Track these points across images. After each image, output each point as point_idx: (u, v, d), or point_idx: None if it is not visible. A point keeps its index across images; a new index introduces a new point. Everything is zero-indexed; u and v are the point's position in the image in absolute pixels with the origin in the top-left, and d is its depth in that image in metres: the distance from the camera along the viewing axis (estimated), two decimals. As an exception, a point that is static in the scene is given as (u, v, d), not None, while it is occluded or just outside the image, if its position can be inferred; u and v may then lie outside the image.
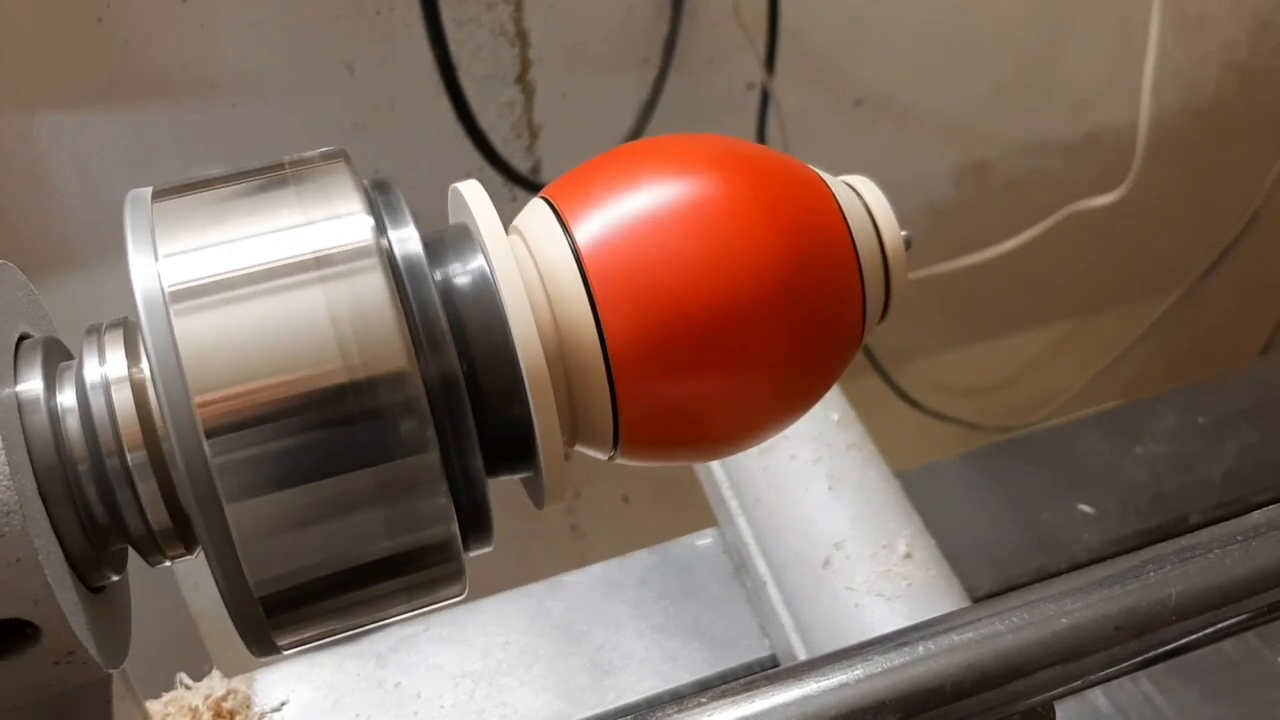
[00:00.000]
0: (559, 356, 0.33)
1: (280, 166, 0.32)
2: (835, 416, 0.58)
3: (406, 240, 0.31)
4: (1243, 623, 0.30)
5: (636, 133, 1.04)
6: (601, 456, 0.35)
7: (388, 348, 0.29)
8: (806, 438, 0.56)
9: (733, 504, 0.58)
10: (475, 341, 0.32)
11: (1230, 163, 1.30)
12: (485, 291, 0.32)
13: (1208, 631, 0.29)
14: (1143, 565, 0.30)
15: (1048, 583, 0.30)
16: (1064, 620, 0.29)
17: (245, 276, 0.30)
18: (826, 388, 0.37)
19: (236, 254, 0.30)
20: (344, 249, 0.30)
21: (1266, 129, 1.28)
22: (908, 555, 0.51)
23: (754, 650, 0.55)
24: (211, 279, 0.30)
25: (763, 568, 0.55)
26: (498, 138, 1.03)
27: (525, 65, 1.02)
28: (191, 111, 0.91)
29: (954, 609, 0.49)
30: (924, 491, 0.58)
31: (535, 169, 1.07)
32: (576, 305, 0.32)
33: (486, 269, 0.32)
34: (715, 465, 0.60)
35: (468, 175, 1.04)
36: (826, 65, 1.12)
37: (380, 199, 0.32)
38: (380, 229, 0.31)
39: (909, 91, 1.16)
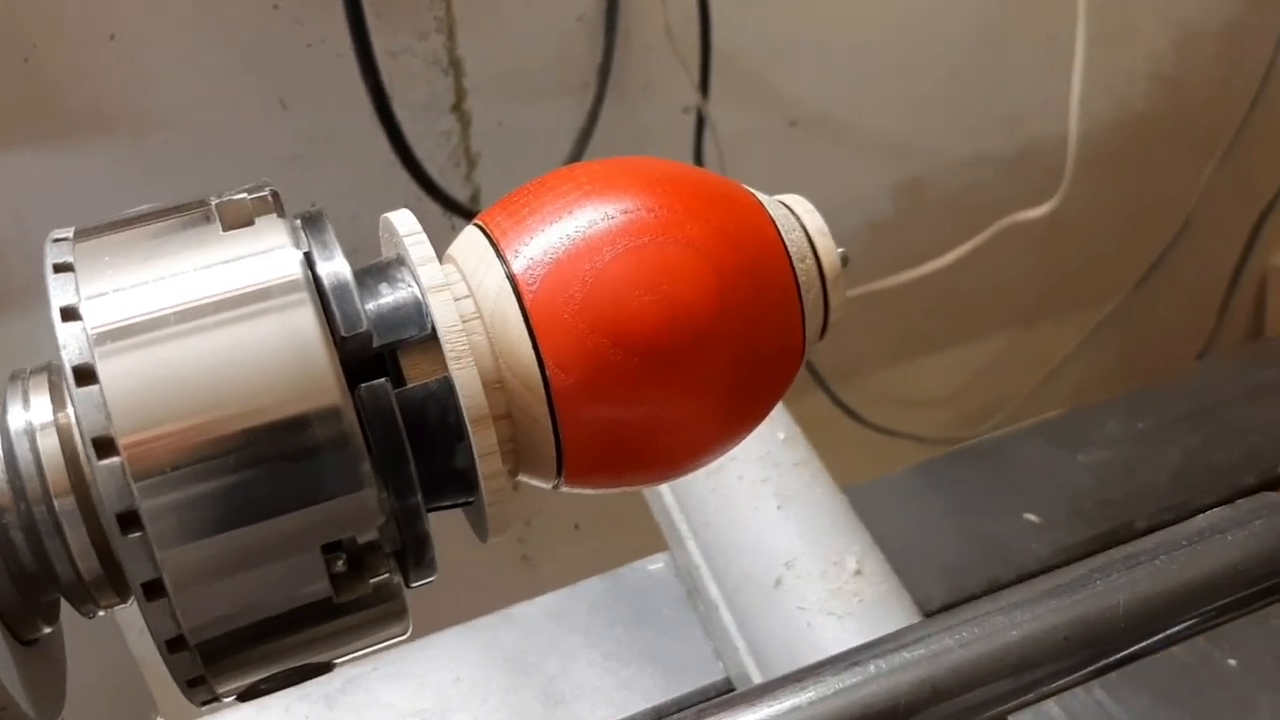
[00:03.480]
0: (498, 385, 0.32)
1: (206, 203, 0.32)
2: (781, 435, 0.57)
3: (336, 272, 0.30)
4: (1192, 627, 0.30)
5: (575, 158, 1.04)
6: (546, 485, 0.35)
7: (319, 382, 0.28)
8: (754, 457, 0.56)
9: (683, 527, 0.57)
10: (410, 373, 0.31)
11: (1161, 171, 1.33)
12: (418, 321, 0.31)
13: (1158, 638, 0.29)
14: (1090, 574, 0.30)
15: (996, 595, 0.30)
16: (1014, 633, 0.28)
17: (171, 315, 0.29)
18: (771, 406, 0.36)
19: (161, 293, 0.29)
20: (271, 284, 0.29)
21: (1195, 137, 1.31)
22: (858, 571, 0.50)
23: (708, 674, 0.55)
24: (135, 319, 0.29)
25: (714, 590, 0.54)
26: (434, 167, 1.02)
27: (460, 94, 1.01)
28: (125, 149, 0.90)
29: (905, 623, 0.49)
30: (872, 506, 0.58)
31: (474, 197, 1.07)
32: (514, 332, 0.32)
33: (420, 298, 0.32)
34: (664, 489, 0.59)
35: (405, 205, 1.03)
36: (760, 87, 1.12)
37: (308, 231, 0.32)
38: (309, 262, 0.30)
39: (843, 111, 1.17)
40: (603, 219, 0.33)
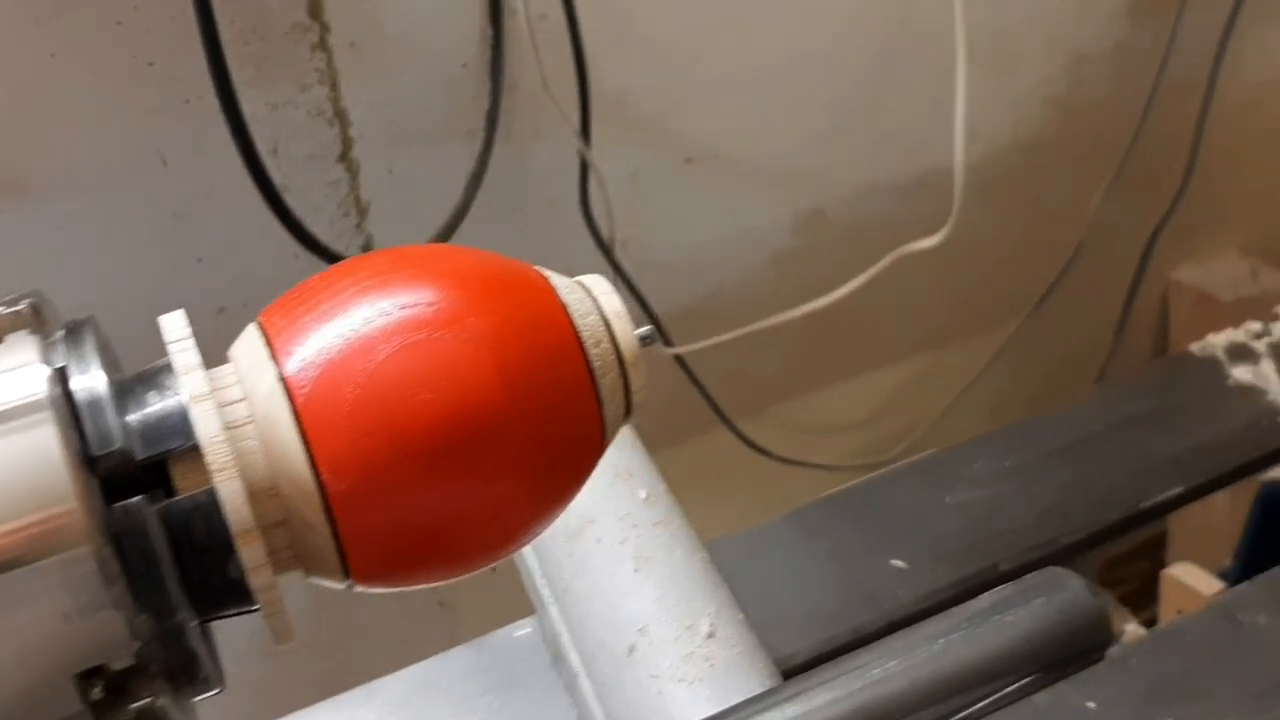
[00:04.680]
0: (273, 492, 0.31)
1: (-41, 318, 0.31)
2: (643, 494, 0.57)
3: (90, 387, 0.30)
4: (978, 712, 0.30)
5: (466, 205, 1.03)
6: (339, 587, 0.34)
7: (61, 505, 0.28)
8: (613, 518, 0.56)
9: (545, 592, 0.57)
10: (180, 484, 0.30)
11: (1057, 192, 1.35)
12: (184, 431, 0.31)
13: (939, 723, 0.29)
14: (867, 664, 0.29)
15: (774, 690, 0.30)
16: (788, 729, 0.28)
17: (-91, 442, 0.28)
18: (572, 493, 0.36)
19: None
20: (14, 405, 0.28)
21: (1089, 159, 1.33)
22: (711, 634, 0.50)
23: (572, 743, 0.54)
24: None
25: (574, 658, 0.54)
26: (324, 218, 1.01)
27: (347, 144, 1.00)
28: (3, 216, 0.88)
29: (757, 686, 0.48)
30: (742, 558, 0.58)
31: (367, 246, 1.06)
32: (285, 437, 0.31)
33: (184, 405, 0.31)
34: (526, 551, 0.59)
35: (294, 258, 1.02)
36: (653, 126, 1.12)
37: (69, 343, 0.31)
38: (62, 377, 0.30)
39: (740, 146, 1.17)
40: (378, 316, 0.32)
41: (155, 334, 0.32)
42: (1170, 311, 1.56)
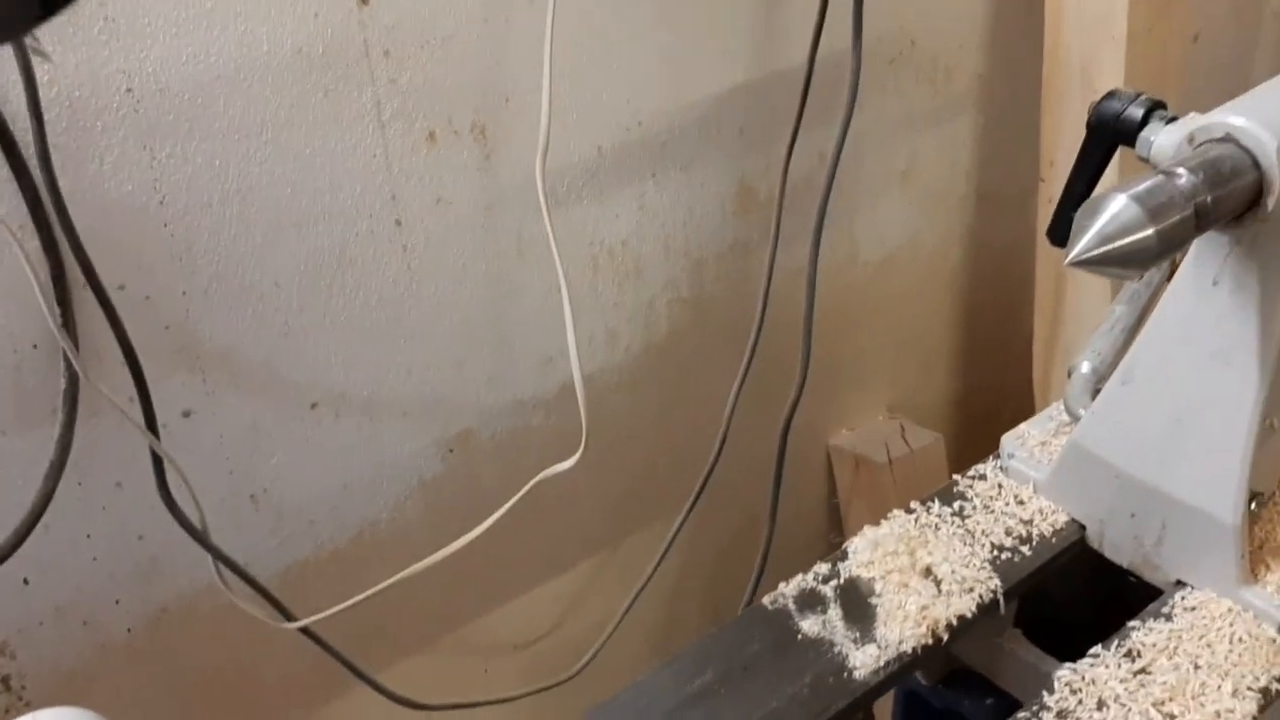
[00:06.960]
0: None
1: None
2: None
3: None
4: None
5: (49, 493, 0.95)
6: None
7: None
8: None
9: None
10: None
11: (700, 386, 1.37)
12: None
13: None
14: None
15: None
16: None
17: None
18: None
19: None
20: None
21: (722, 349, 1.35)
22: None
23: None
24: None
25: None
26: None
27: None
28: None
29: None
30: None
31: (-55, 559, 0.96)
32: None
33: None
34: None
35: None
36: (267, 378, 1.08)
37: None
38: None
39: (368, 381, 1.14)
40: None
41: None
42: (835, 477, 1.60)
